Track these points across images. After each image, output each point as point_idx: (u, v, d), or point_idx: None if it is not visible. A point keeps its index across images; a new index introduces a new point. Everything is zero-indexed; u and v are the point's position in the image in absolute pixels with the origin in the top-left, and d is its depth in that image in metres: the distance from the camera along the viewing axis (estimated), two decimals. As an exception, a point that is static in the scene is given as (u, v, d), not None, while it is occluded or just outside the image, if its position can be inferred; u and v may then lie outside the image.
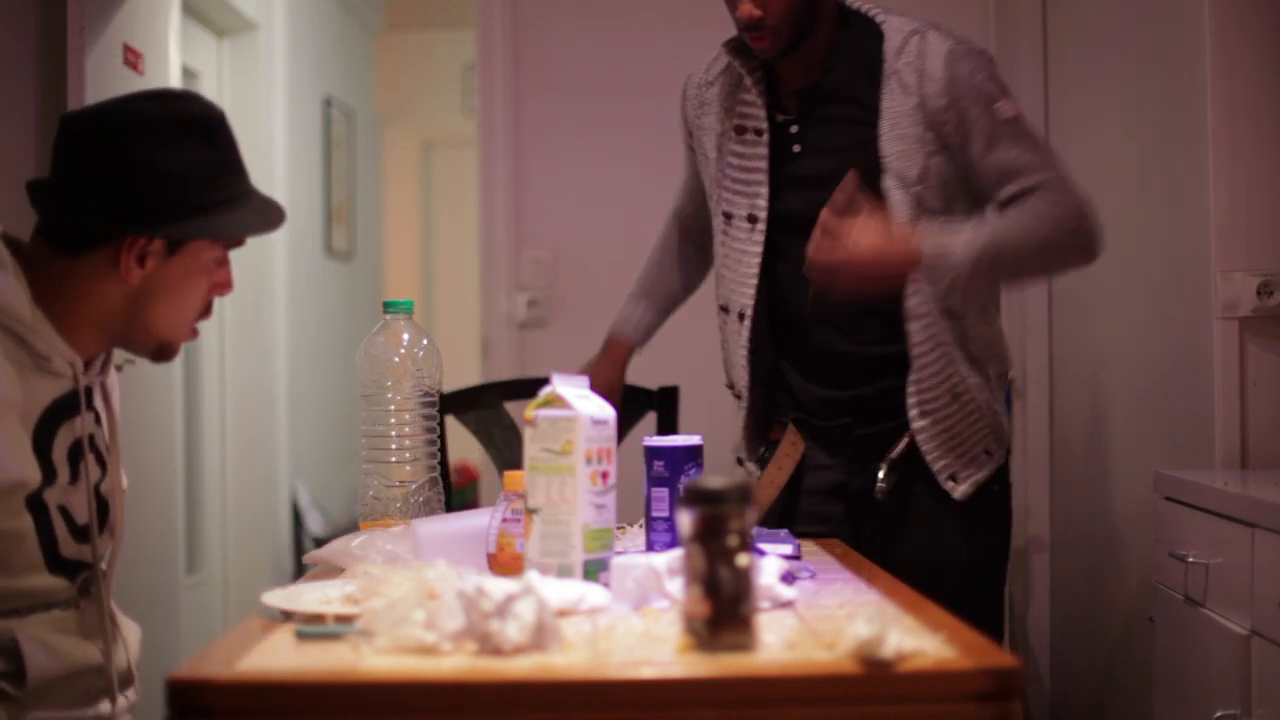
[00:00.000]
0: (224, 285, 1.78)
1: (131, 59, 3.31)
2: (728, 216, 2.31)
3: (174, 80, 3.68)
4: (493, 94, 3.82)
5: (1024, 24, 3.66)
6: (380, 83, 6.51)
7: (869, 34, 2.22)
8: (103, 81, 3.05)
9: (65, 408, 1.69)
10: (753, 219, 2.26)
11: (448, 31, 6.92)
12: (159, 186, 1.66)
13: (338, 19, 5.73)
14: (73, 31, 2.95)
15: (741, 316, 2.29)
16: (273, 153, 4.75)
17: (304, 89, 5.15)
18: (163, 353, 1.77)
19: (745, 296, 2.28)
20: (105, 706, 1.71)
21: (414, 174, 7.96)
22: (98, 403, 1.77)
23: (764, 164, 2.25)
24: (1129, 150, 3.10)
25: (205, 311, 1.78)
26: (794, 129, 2.26)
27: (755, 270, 2.26)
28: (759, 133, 2.26)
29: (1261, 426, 2.56)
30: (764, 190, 2.25)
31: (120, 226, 1.65)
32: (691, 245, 2.58)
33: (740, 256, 2.29)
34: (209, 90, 4.52)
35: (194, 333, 1.79)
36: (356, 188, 5.83)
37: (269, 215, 1.78)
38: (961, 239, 2.10)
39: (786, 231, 2.23)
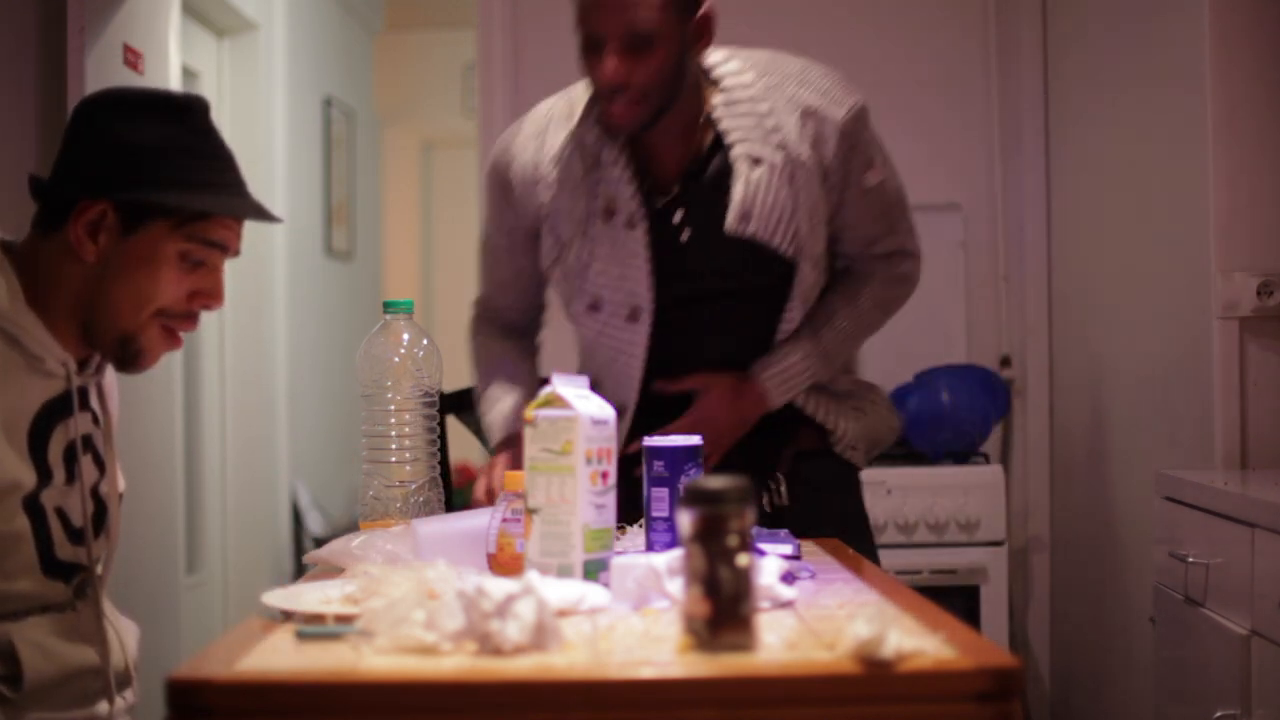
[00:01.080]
0: (209, 295, 1.70)
1: (131, 59, 3.31)
2: (594, 306, 2.13)
3: (174, 80, 3.68)
4: (493, 94, 3.82)
5: (1024, 24, 3.66)
6: (380, 83, 6.51)
7: (751, 109, 2.08)
8: (103, 81, 3.05)
9: (60, 408, 1.68)
10: (634, 314, 2.10)
11: (448, 31, 6.91)
12: (111, 154, 1.64)
13: (338, 19, 5.73)
14: (73, 31, 2.95)
15: (622, 411, 2.11)
16: (273, 153, 4.75)
17: (304, 89, 5.15)
18: (126, 349, 1.68)
19: (627, 393, 2.14)
20: (103, 708, 1.70)
21: (414, 174, 7.95)
22: (94, 403, 1.76)
23: (645, 255, 2.07)
24: (1129, 150, 3.10)
25: (187, 319, 1.70)
26: (678, 214, 2.09)
27: (639, 367, 2.12)
28: (632, 223, 2.08)
29: (1261, 426, 2.56)
30: (645, 283, 2.08)
31: (71, 190, 1.64)
32: (528, 339, 2.37)
33: (614, 354, 2.14)
34: (209, 90, 4.52)
35: (169, 334, 1.70)
36: (356, 188, 5.82)
37: (236, 203, 1.69)
38: (792, 360, 2.13)
39: (672, 311, 2.12)
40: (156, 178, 1.64)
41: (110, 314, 1.66)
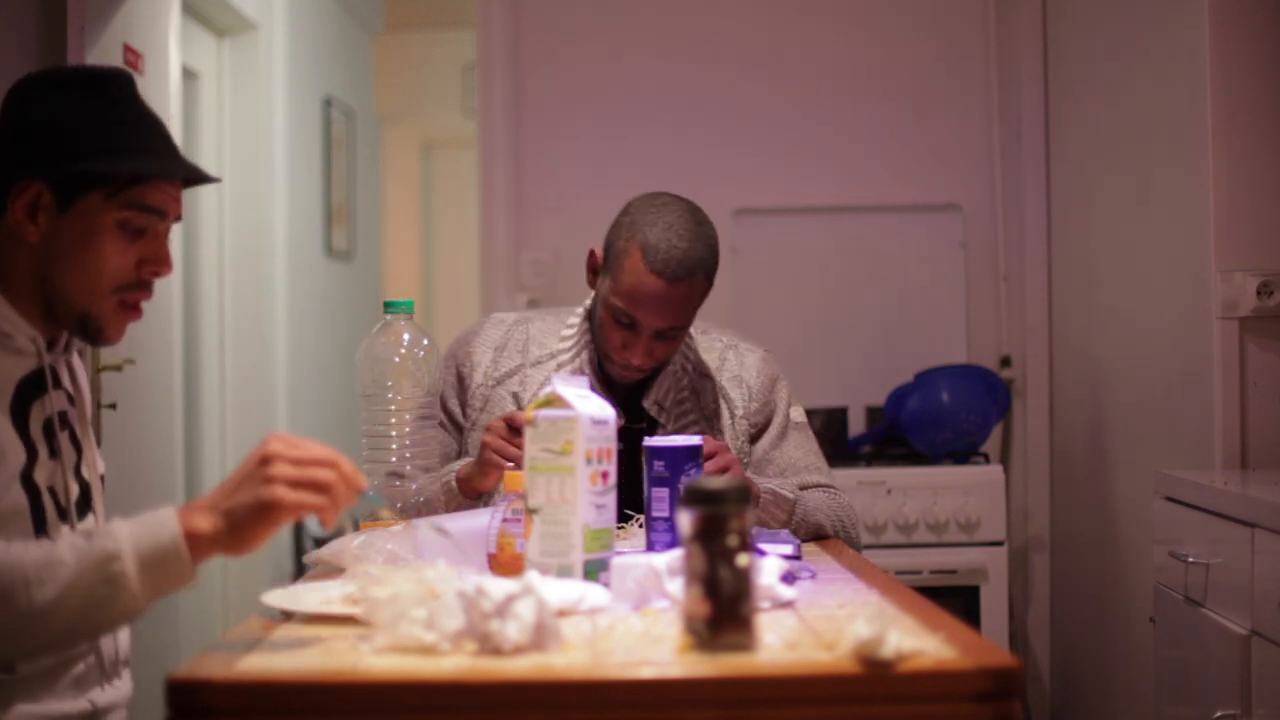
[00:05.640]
0: (156, 262, 1.68)
1: (131, 59, 3.31)
2: None
3: (174, 80, 3.68)
4: (492, 94, 3.82)
5: (1024, 24, 3.66)
6: (380, 83, 6.51)
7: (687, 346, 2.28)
8: (103, 81, 3.04)
9: (34, 386, 1.68)
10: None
11: (448, 31, 6.91)
12: (36, 133, 1.64)
13: (338, 19, 5.73)
14: (73, 31, 2.95)
15: None
16: (273, 153, 4.75)
17: (304, 89, 5.15)
18: (88, 327, 1.68)
19: None
20: (95, 695, 1.70)
21: (414, 174, 7.95)
22: (66, 382, 1.76)
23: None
24: (1129, 150, 3.10)
25: (139, 289, 1.68)
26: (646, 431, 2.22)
27: None
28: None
29: (1261, 426, 2.57)
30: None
31: (4, 175, 1.64)
32: None
33: None
34: (209, 90, 4.52)
35: (126, 307, 1.69)
36: (356, 188, 5.82)
37: (165, 164, 1.67)
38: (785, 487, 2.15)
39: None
40: (82, 150, 1.63)
41: (64, 293, 1.66)
